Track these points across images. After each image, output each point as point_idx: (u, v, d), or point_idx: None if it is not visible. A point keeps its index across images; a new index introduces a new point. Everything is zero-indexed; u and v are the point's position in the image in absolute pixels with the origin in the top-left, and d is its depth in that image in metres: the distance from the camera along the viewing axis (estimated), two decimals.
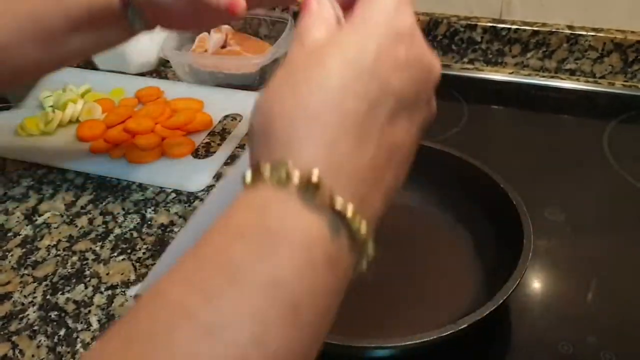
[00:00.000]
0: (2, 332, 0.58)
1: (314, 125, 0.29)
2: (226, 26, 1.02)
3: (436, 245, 0.64)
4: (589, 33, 0.91)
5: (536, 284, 0.61)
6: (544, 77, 0.95)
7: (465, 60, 0.98)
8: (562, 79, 0.95)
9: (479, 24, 0.95)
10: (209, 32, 0.99)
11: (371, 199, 0.30)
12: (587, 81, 0.94)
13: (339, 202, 0.27)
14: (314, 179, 0.27)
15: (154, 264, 0.64)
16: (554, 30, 0.93)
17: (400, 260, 0.62)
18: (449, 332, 0.48)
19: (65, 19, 0.59)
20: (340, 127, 0.29)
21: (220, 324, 0.24)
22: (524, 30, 0.94)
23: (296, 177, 0.27)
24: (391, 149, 0.31)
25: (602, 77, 0.94)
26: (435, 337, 0.48)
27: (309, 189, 0.27)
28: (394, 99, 0.31)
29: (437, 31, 0.97)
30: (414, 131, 0.33)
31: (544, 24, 0.93)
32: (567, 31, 0.92)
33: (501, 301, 0.50)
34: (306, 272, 0.26)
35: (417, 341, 0.48)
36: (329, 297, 0.27)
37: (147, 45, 0.97)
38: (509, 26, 0.94)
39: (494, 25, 0.95)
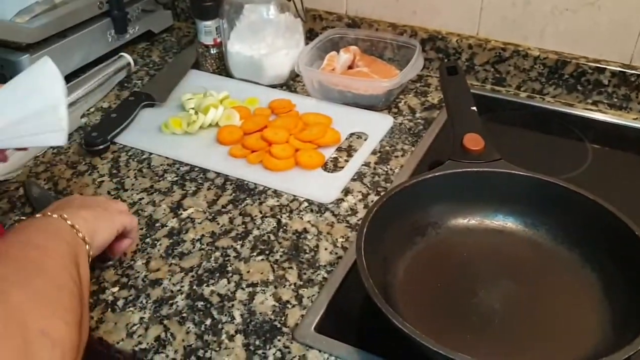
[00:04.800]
0: (155, 315, 0.64)
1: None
2: (354, 47, 1.06)
3: (562, 284, 0.66)
4: None
5: None
6: None
7: (589, 101, 0.99)
8: None
9: (607, 67, 0.96)
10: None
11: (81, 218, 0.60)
12: None
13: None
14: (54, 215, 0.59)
15: (291, 267, 0.69)
16: None
17: (526, 295, 0.64)
18: None
19: None
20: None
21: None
22: None
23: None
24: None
25: None
26: None
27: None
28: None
29: (564, 70, 0.98)
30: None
31: None
32: None
33: None
34: (46, 237, 0.56)
35: None
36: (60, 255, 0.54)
37: (282, 59, 1.02)
38: (638, 72, 0.95)
39: (623, 70, 0.95)
